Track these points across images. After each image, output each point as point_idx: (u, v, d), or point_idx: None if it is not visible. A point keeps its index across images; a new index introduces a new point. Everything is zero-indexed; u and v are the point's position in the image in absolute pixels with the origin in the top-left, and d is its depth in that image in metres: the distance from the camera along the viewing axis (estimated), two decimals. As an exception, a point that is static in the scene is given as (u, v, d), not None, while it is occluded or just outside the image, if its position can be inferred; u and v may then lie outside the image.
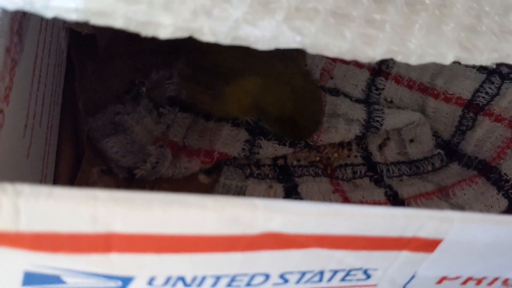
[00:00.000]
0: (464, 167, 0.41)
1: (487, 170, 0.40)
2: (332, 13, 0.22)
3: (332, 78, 0.45)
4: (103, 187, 0.36)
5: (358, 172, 0.42)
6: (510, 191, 0.38)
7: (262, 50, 0.34)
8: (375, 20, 0.23)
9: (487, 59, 0.24)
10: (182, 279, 0.21)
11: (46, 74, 0.30)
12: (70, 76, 0.39)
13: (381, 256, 0.22)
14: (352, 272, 0.23)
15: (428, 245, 0.21)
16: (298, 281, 0.23)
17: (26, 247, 0.18)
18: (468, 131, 0.42)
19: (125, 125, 0.39)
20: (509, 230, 0.21)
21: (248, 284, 0.22)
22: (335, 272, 0.22)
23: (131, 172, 0.38)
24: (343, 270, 0.22)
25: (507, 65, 0.42)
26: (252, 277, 0.22)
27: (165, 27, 0.20)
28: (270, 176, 0.41)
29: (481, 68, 0.43)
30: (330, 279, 0.23)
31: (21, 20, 0.24)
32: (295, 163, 0.42)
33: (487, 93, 0.42)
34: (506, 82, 0.42)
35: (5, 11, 0.21)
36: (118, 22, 0.19)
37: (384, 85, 0.45)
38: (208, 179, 0.41)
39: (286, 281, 0.22)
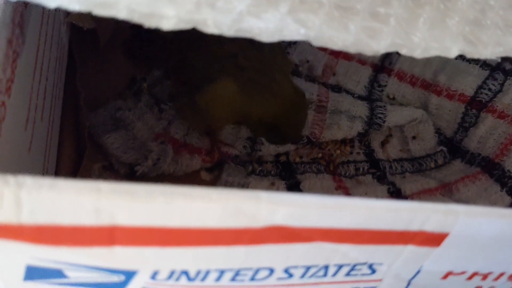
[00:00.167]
0: (467, 164, 0.41)
1: (490, 167, 0.40)
2: (336, 6, 0.22)
3: (334, 74, 0.45)
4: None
5: (361, 169, 0.42)
6: (514, 187, 0.38)
7: (250, 52, 0.34)
8: (379, 13, 0.23)
9: (491, 53, 0.24)
10: (185, 273, 0.21)
11: (48, 68, 0.30)
12: (72, 71, 0.39)
13: (386, 251, 0.22)
14: (357, 267, 0.22)
15: (434, 239, 0.21)
16: (302, 276, 0.22)
17: (28, 239, 0.18)
18: (471, 128, 0.42)
19: (126, 121, 0.39)
20: (515, 224, 0.21)
21: (252, 278, 0.22)
22: (340, 267, 0.22)
23: (132, 169, 0.38)
24: (348, 264, 0.22)
25: (510, 62, 0.42)
26: (257, 271, 0.21)
27: (169, 18, 0.20)
28: (272, 173, 0.41)
29: (484, 65, 0.43)
30: (335, 274, 0.23)
31: (23, 12, 0.24)
32: (297, 160, 0.41)
33: (490, 89, 0.42)
34: (509, 79, 0.41)
35: (7, 2, 0.21)
36: (121, 13, 0.19)
37: (386, 81, 0.44)
38: (209, 176, 0.40)
39: (290, 275, 0.22)
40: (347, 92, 0.44)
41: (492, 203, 0.38)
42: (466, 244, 0.22)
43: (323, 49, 0.46)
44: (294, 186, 0.40)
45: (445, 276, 0.24)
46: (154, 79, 0.42)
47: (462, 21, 0.24)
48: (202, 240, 0.19)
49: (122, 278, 0.21)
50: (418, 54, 0.23)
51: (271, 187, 0.39)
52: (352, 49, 0.22)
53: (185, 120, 0.40)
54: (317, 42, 0.21)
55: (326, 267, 0.22)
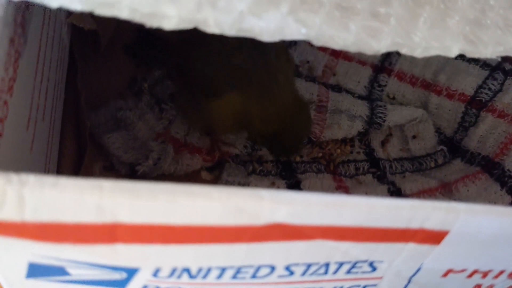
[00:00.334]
0: (467, 163, 0.41)
1: (490, 166, 0.40)
2: (337, 5, 0.22)
3: (334, 75, 0.45)
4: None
5: (361, 169, 0.42)
6: (514, 187, 0.38)
7: (250, 65, 0.34)
8: (379, 13, 0.23)
9: (491, 52, 0.24)
10: (187, 270, 0.21)
11: (49, 68, 0.30)
12: (73, 72, 0.39)
13: (387, 248, 0.22)
14: (358, 265, 0.23)
15: (434, 237, 0.21)
16: (303, 273, 0.22)
17: (30, 237, 0.18)
18: (471, 127, 0.42)
19: (127, 121, 0.39)
20: (515, 222, 0.21)
21: (254, 276, 0.22)
22: (341, 264, 0.22)
23: (133, 169, 0.38)
24: (349, 262, 0.22)
25: (510, 61, 0.42)
26: (258, 269, 0.22)
27: (170, 18, 0.20)
28: (272, 172, 0.41)
29: (484, 65, 0.43)
30: (335, 272, 0.23)
31: (24, 12, 0.24)
32: (297, 159, 0.41)
33: (490, 89, 0.42)
34: (509, 78, 0.42)
35: (9, 2, 0.21)
36: (123, 13, 0.19)
37: (386, 81, 0.45)
38: (210, 175, 0.40)
39: (291, 273, 0.22)
40: (347, 91, 0.44)
41: (492, 202, 0.38)
42: (466, 242, 0.22)
43: (323, 50, 0.46)
44: (294, 186, 0.40)
45: (446, 274, 0.24)
46: (155, 79, 0.42)
47: (463, 20, 0.24)
48: (204, 237, 0.19)
49: (124, 275, 0.21)
50: (419, 53, 0.23)
51: (272, 186, 0.39)
52: (352, 48, 0.22)
53: (188, 121, 0.40)
54: (317, 42, 0.21)
55: (327, 265, 0.22)
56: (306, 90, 0.43)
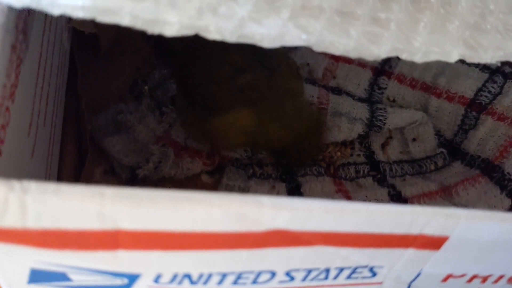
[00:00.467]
0: (467, 166, 0.41)
1: (490, 169, 0.40)
2: (337, 11, 0.22)
3: (334, 77, 0.45)
4: (106, 187, 0.36)
5: (361, 171, 0.42)
6: (513, 190, 0.38)
7: (256, 85, 0.33)
8: (380, 18, 0.23)
9: (491, 57, 0.24)
10: (188, 276, 0.21)
11: (50, 73, 0.30)
12: (73, 76, 0.39)
13: (387, 254, 0.22)
14: (358, 270, 0.23)
15: (434, 243, 0.21)
16: (304, 279, 0.23)
17: (33, 244, 0.18)
18: (470, 130, 0.42)
19: (127, 124, 0.39)
20: (514, 227, 0.21)
21: (254, 281, 0.22)
22: (341, 270, 0.22)
23: (134, 172, 0.38)
24: (349, 267, 0.22)
25: (510, 65, 0.42)
26: (258, 274, 0.22)
27: (171, 24, 0.20)
28: (273, 175, 0.41)
29: (484, 67, 0.43)
30: (336, 277, 0.23)
31: (26, 18, 0.24)
32: (298, 162, 0.42)
33: (489, 92, 0.42)
34: (509, 81, 0.42)
35: (11, 9, 0.21)
36: (124, 19, 0.19)
37: (386, 84, 0.45)
38: (210, 179, 0.40)
39: (292, 278, 0.22)
40: (348, 94, 0.44)
41: (492, 206, 0.38)
42: (466, 247, 0.22)
43: (324, 53, 0.46)
44: (294, 189, 0.40)
45: (445, 279, 0.24)
46: (156, 82, 0.42)
47: (462, 25, 0.24)
48: (205, 244, 0.19)
49: (125, 281, 0.21)
50: (419, 58, 0.23)
51: (272, 190, 0.39)
52: (353, 54, 0.22)
53: (193, 138, 0.39)
54: (318, 48, 0.22)
55: (327, 270, 0.22)
56: (306, 92, 0.43)
